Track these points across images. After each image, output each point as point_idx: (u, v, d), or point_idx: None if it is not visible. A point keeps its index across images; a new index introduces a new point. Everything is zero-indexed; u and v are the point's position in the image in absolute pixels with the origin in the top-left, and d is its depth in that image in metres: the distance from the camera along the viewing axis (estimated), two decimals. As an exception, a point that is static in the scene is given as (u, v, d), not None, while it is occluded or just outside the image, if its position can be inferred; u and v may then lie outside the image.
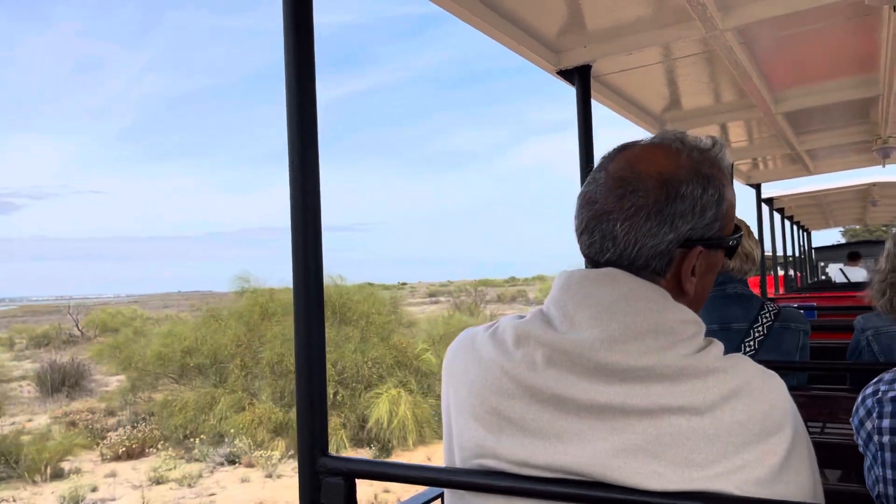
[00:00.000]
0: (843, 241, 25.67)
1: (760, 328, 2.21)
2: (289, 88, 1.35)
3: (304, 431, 1.34)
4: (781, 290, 8.63)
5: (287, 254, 1.34)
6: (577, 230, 1.04)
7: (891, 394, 1.03)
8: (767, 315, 2.24)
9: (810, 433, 1.01)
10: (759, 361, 2.18)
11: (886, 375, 1.07)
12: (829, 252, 17.37)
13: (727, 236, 1.02)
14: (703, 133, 4.45)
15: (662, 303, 0.95)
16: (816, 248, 17.31)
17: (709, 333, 2.52)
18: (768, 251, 7.98)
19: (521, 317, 1.03)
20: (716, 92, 3.61)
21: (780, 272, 10.65)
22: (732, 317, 2.25)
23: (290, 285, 1.35)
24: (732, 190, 1.04)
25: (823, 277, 16.28)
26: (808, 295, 7.75)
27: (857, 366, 2.35)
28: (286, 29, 1.36)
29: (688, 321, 0.95)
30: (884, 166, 5.48)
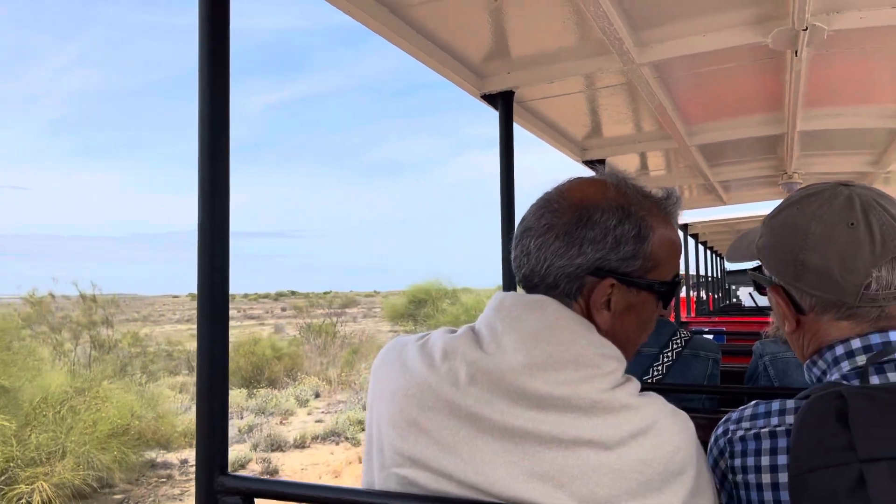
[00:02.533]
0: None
1: (670, 353, 2.28)
2: (202, 89, 1.30)
3: (202, 448, 1.29)
4: (693, 313, 8.96)
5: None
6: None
7: (739, 433, 1.05)
8: (678, 341, 2.31)
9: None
10: (665, 385, 2.26)
11: (733, 415, 1.08)
12: (740, 276, 18.15)
13: (654, 280, 1.03)
14: (622, 161, 4.61)
15: (586, 335, 0.97)
16: (729, 272, 18.08)
17: None
18: (684, 273, 8.30)
19: (454, 331, 1.04)
20: (635, 122, 3.73)
21: (693, 294, 11.07)
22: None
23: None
24: (671, 237, 1.06)
25: (735, 300, 17.01)
26: (718, 319, 8.07)
27: (755, 390, 2.44)
28: (201, 29, 1.32)
29: (608, 356, 0.97)
30: (790, 199, 5.77)
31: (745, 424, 1.05)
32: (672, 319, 7.69)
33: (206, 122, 1.30)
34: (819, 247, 1.00)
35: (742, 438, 1.04)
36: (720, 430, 1.09)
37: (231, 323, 1.39)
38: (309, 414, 14.02)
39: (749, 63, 2.80)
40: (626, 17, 2.28)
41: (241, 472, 8.94)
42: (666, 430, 0.92)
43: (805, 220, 1.03)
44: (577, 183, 1.06)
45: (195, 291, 1.30)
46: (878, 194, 1.01)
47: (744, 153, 4.61)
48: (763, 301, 11.90)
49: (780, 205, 1.11)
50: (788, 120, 3.43)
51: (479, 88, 2.74)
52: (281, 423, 12.98)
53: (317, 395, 15.71)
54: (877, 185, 4.97)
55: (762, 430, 1.02)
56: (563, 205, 1.02)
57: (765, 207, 8.08)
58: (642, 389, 2.22)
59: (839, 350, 1.00)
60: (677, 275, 1.09)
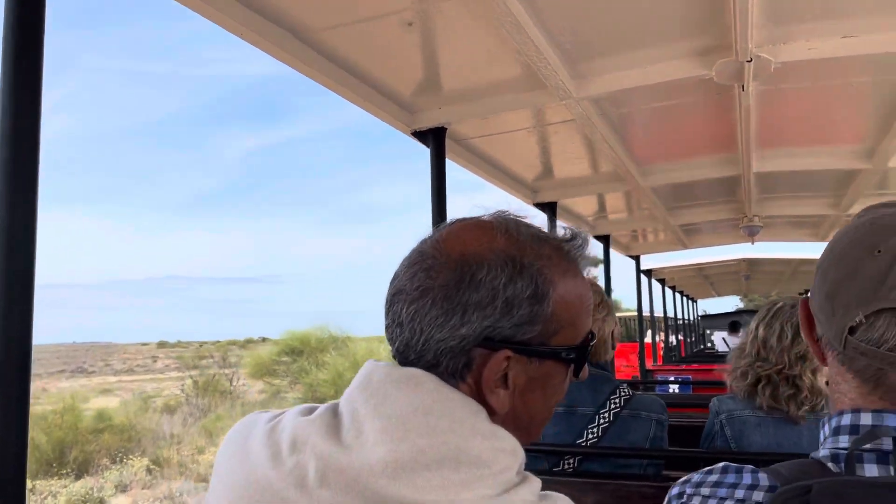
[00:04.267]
0: (742, 306, 27.12)
1: (607, 414, 2.07)
2: (4, 117, 1.08)
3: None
4: (660, 361, 8.78)
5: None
6: None
7: (696, 499, 0.88)
8: (617, 400, 2.09)
9: None
10: (601, 448, 2.03)
11: (695, 476, 0.92)
12: (715, 320, 18.15)
13: (561, 346, 0.82)
14: (577, 203, 4.45)
15: (472, 423, 0.75)
16: (703, 316, 18.08)
17: (554, 416, 2.26)
18: (650, 315, 8.13)
19: (312, 410, 0.81)
20: (588, 162, 3.59)
21: (662, 339, 10.94)
22: (581, 399, 2.10)
23: None
24: (577, 290, 0.85)
25: (710, 344, 16.95)
26: (684, 367, 7.89)
27: (703, 454, 2.23)
28: (5, 54, 1.09)
29: (501, 450, 0.75)
30: (752, 244, 5.68)
31: (705, 491, 0.89)
32: (637, 367, 7.54)
33: (8, 161, 1.06)
34: (836, 262, 0.83)
35: None
36: (675, 491, 0.93)
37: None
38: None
39: (697, 99, 2.67)
40: (559, 49, 2.13)
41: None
42: None
43: (850, 229, 0.86)
44: (458, 229, 0.85)
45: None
46: None
47: (702, 196, 4.50)
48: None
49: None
50: (743, 161, 3.30)
51: (409, 125, 2.57)
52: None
53: (124, 489, 11.15)
54: (837, 227, 4.88)
55: (724, 502, 0.85)
56: (439, 260, 0.80)
57: (731, 252, 8.03)
58: (577, 453, 2.01)
59: (857, 418, 0.82)
60: (590, 334, 0.88)
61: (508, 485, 0.73)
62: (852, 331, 0.78)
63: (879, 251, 0.78)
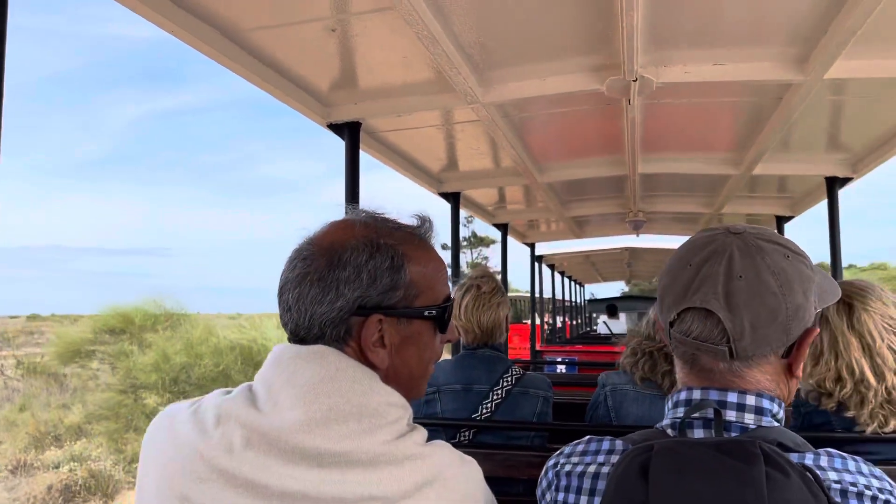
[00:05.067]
0: (630, 292, 28.53)
1: (500, 391, 2.28)
2: None
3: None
4: (539, 343, 9.18)
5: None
6: None
7: (567, 467, 1.04)
8: (509, 379, 2.32)
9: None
10: (494, 422, 2.25)
11: (566, 448, 1.08)
12: (599, 304, 19.10)
13: (422, 306, 1.01)
14: (479, 194, 4.68)
15: (368, 384, 0.93)
16: (589, 300, 18.97)
17: (453, 393, 2.51)
18: (539, 298, 8.52)
19: (229, 392, 0.96)
20: (491, 158, 3.80)
21: (549, 321, 11.45)
22: (476, 378, 2.31)
23: None
24: (429, 260, 1.05)
25: (597, 327, 17.85)
26: (570, 349, 8.37)
27: (588, 426, 2.49)
28: None
29: (393, 404, 0.93)
30: (637, 236, 6.12)
31: (574, 459, 1.05)
32: (528, 346, 7.94)
33: None
34: (665, 272, 1.05)
35: (568, 474, 1.03)
36: (551, 462, 1.08)
37: None
38: None
39: (590, 108, 2.92)
40: (468, 59, 2.30)
41: None
42: (453, 479, 0.90)
43: (678, 248, 1.08)
44: (326, 228, 1.03)
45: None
46: (757, 248, 0.98)
47: (593, 192, 4.82)
48: (617, 328, 12.58)
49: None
50: (630, 163, 3.62)
51: (325, 118, 2.68)
52: None
53: None
54: (712, 224, 5.35)
55: (588, 469, 1.01)
56: (313, 251, 0.98)
57: (617, 242, 8.55)
58: (472, 426, 2.22)
59: (690, 394, 1.02)
60: (448, 297, 1.08)
61: (401, 432, 0.91)
62: (671, 324, 1.01)
63: (690, 265, 1.01)
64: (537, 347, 7.96)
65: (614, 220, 6.03)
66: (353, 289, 0.96)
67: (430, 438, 0.95)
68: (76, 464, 9.93)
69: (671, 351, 1.06)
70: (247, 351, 13.69)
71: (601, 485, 0.99)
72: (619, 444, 1.03)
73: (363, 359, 0.97)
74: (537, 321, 8.53)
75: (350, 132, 2.69)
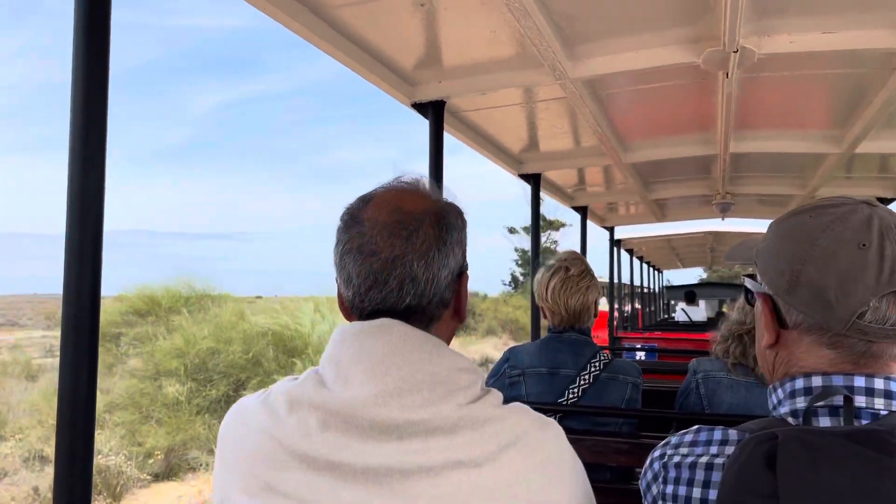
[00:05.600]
0: (705, 277, 27.75)
1: (587, 376, 2.23)
2: (76, 86, 1.18)
3: (62, 490, 1.15)
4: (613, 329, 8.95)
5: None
6: (359, 290, 0.96)
7: (675, 458, 0.99)
8: (597, 364, 2.26)
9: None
10: (580, 407, 2.20)
11: (673, 439, 1.03)
12: (677, 291, 18.56)
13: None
14: (558, 175, 4.60)
15: (437, 352, 0.92)
16: (667, 287, 18.47)
17: (538, 376, 2.47)
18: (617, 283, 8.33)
19: (295, 378, 0.95)
20: (572, 137, 3.71)
21: (627, 308, 11.16)
22: (562, 362, 2.26)
23: None
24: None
25: (674, 314, 17.37)
26: (649, 336, 8.15)
27: (679, 415, 2.41)
28: (77, 22, 1.19)
29: (463, 369, 0.93)
30: (723, 219, 5.89)
31: (684, 451, 0.99)
32: (607, 333, 7.78)
33: (79, 124, 1.17)
34: (821, 261, 0.91)
35: (678, 465, 0.98)
36: (657, 453, 1.03)
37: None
38: None
39: (682, 83, 2.80)
40: (559, 32, 2.23)
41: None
42: (535, 440, 0.89)
43: (815, 230, 0.93)
44: (395, 197, 0.98)
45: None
46: None
47: (679, 172, 4.65)
48: (696, 315, 12.18)
49: (792, 210, 1.01)
50: (721, 141, 3.45)
51: (410, 97, 2.66)
52: None
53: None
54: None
55: (700, 460, 0.96)
56: (422, 221, 0.95)
57: (700, 226, 8.26)
58: (558, 411, 2.18)
59: (808, 382, 0.93)
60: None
61: (475, 396, 0.90)
62: (861, 315, 0.88)
63: (864, 245, 0.89)
64: (616, 335, 7.79)
65: (698, 202, 5.82)
66: (459, 251, 0.99)
67: None
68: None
69: (830, 343, 0.93)
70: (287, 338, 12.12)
71: (716, 476, 0.93)
72: (732, 433, 0.96)
73: (456, 317, 1.01)
74: (615, 307, 8.34)
75: (434, 111, 2.67)
